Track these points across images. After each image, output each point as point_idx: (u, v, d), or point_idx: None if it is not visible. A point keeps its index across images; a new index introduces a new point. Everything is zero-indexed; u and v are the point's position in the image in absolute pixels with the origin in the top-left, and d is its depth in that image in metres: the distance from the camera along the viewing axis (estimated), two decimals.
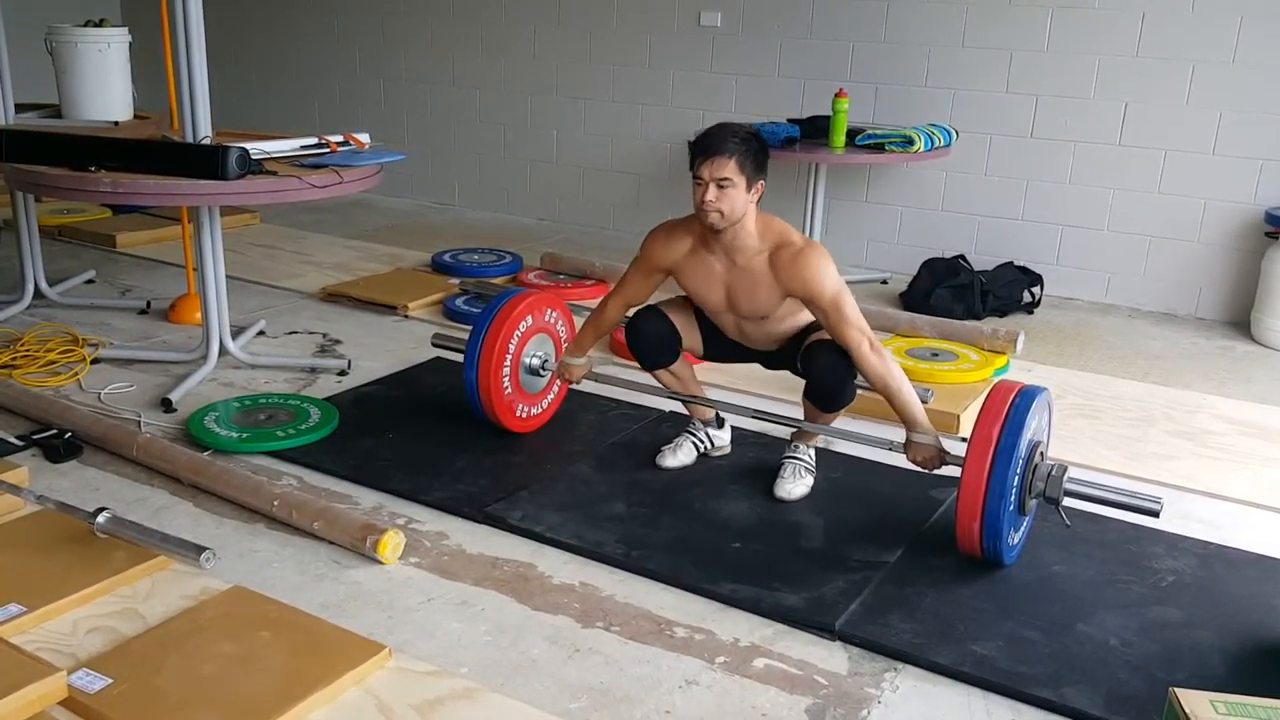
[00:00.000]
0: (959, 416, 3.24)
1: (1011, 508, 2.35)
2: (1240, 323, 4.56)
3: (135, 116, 4.26)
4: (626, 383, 3.07)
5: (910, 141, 4.48)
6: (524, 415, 3.12)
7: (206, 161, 3.11)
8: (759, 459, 3.00)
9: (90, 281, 4.64)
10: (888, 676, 2.10)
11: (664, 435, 3.05)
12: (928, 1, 4.92)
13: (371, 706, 1.92)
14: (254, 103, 7.11)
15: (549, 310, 3.13)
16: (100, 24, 4.17)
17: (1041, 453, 2.46)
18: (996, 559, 2.40)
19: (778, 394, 3.51)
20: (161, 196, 3.26)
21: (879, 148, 4.54)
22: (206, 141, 3.37)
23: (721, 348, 2.90)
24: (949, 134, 4.72)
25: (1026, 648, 2.17)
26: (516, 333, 3.00)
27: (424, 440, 3.09)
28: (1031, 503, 2.46)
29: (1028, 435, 2.34)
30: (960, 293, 4.54)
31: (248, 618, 2.14)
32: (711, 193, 2.53)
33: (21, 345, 3.71)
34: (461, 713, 1.91)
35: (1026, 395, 2.38)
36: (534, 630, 2.21)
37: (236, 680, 1.94)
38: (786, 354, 2.82)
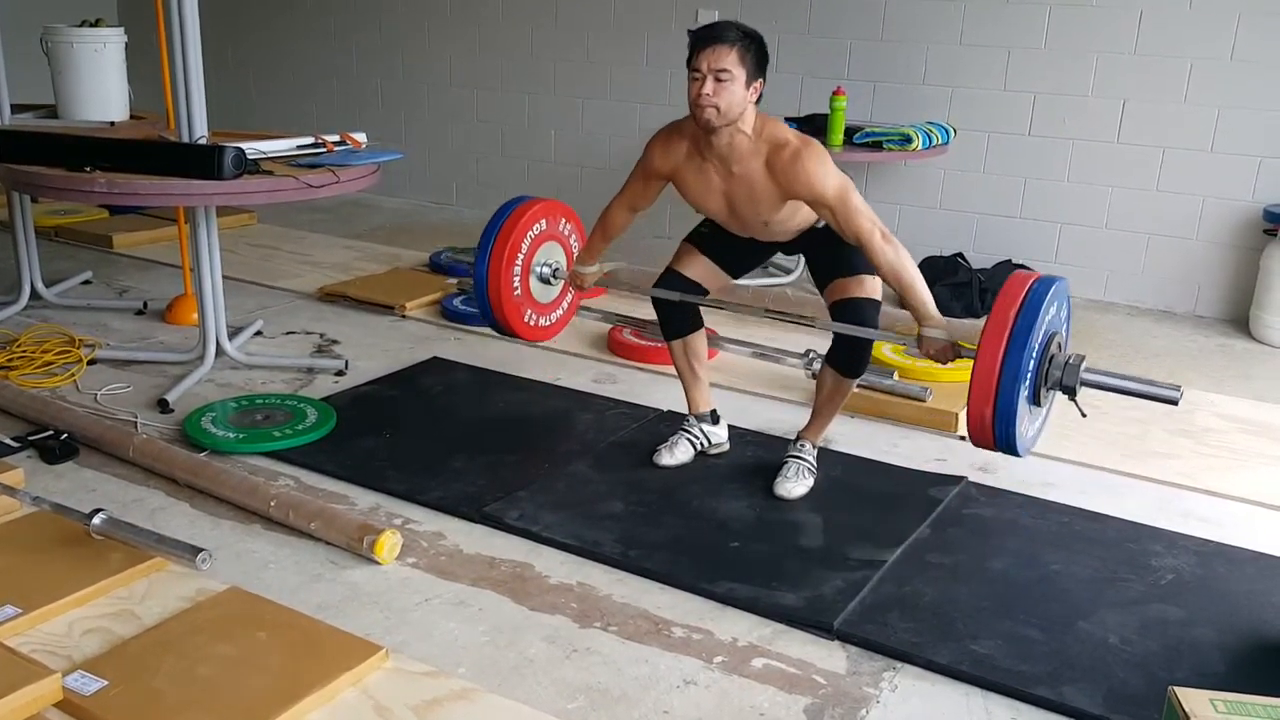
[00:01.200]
0: (957, 415, 3.23)
1: (1027, 392, 2.26)
2: (1239, 320, 4.55)
3: (131, 116, 4.25)
4: (635, 288, 2.96)
5: (908, 139, 4.48)
6: (532, 322, 3.09)
7: (203, 161, 3.10)
8: (757, 458, 3.00)
9: (87, 282, 4.63)
10: (886, 676, 2.10)
11: (662, 434, 3.04)
12: None
13: (369, 707, 1.91)
14: (250, 102, 7.10)
15: (562, 219, 3.09)
16: (96, 24, 4.16)
17: (1059, 344, 2.37)
18: (1009, 447, 2.30)
19: (778, 393, 3.51)
20: (158, 197, 3.25)
21: (877, 146, 4.53)
22: (203, 141, 3.36)
23: (741, 255, 2.89)
24: (947, 132, 4.71)
25: (1026, 646, 2.17)
26: (530, 233, 2.96)
27: (421, 440, 3.09)
28: (1048, 395, 2.38)
29: (1045, 320, 2.26)
30: (959, 291, 4.54)
31: (244, 619, 2.13)
32: (708, 86, 2.47)
33: (18, 346, 3.70)
34: (459, 713, 1.90)
35: (1045, 282, 2.30)
36: (531, 630, 2.20)
37: (233, 681, 1.93)
38: (802, 243, 2.81)
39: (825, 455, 2.99)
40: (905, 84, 5.03)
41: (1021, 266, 4.80)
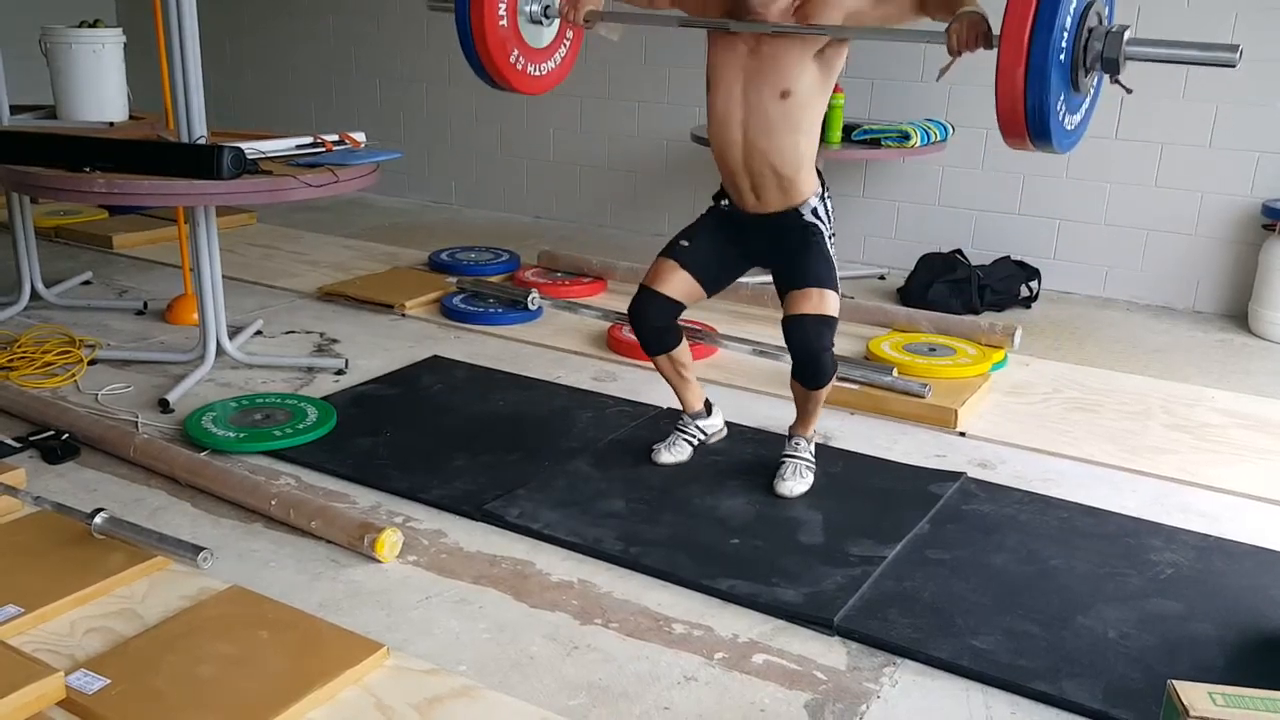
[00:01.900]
0: (957, 411, 3.24)
1: (1063, 57, 2.01)
2: (1238, 315, 4.56)
3: (130, 117, 4.26)
4: (636, 16, 2.72)
5: (906, 136, 4.48)
6: (521, 67, 2.80)
7: (202, 161, 3.11)
8: (756, 455, 3.00)
9: (87, 283, 4.64)
10: (887, 671, 2.10)
11: (662, 432, 3.05)
12: None
13: (370, 705, 1.92)
14: (249, 102, 7.10)
15: None
16: (95, 25, 4.16)
17: (1099, 14, 2.13)
18: (1043, 129, 2.04)
19: (778, 390, 3.51)
20: (157, 197, 3.25)
21: (875, 143, 4.53)
22: (202, 141, 3.37)
23: (721, 265, 2.82)
24: (945, 129, 4.71)
25: (1025, 641, 2.17)
26: None
27: (421, 439, 3.09)
28: (1089, 80, 2.13)
29: None
30: (958, 287, 4.54)
31: (246, 617, 2.14)
32: None
33: (18, 347, 3.70)
34: (460, 711, 1.91)
35: None
36: (532, 628, 2.21)
37: (235, 680, 1.94)
38: (772, 247, 2.74)
39: (824, 451, 3.00)
40: (903, 81, 5.03)
41: (1020, 263, 4.80)
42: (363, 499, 2.76)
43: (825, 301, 2.64)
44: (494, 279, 4.68)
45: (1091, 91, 2.25)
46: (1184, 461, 3.08)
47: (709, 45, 2.69)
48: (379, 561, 2.42)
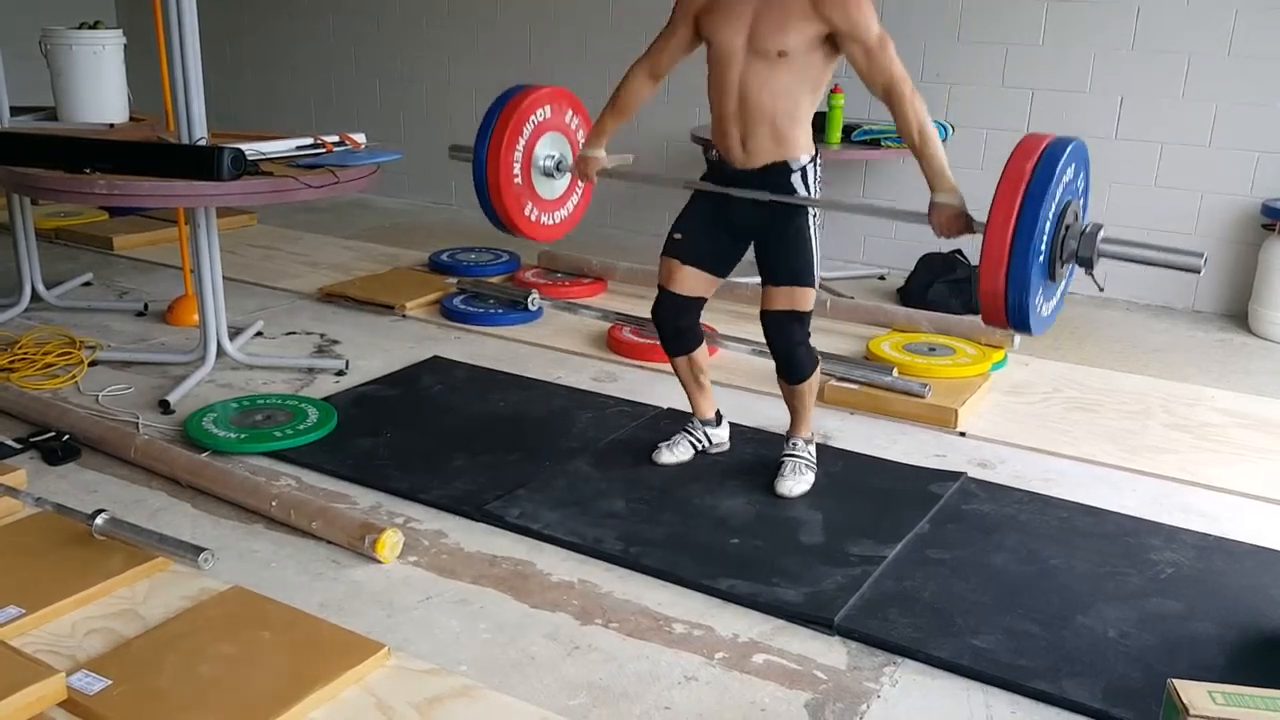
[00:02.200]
0: (957, 411, 3.24)
1: (1042, 259, 2.16)
2: (1238, 315, 4.56)
3: (131, 118, 4.26)
4: (644, 176, 2.89)
5: None
6: (534, 218, 2.94)
7: (202, 163, 3.11)
8: (757, 455, 3.00)
9: (87, 284, 4.64)
10: (887, 671, 2.10)
11: (663, 432, 3.05)
12: None
13: (371, 705, 1.92)
14: (249, 104, 7.10)
15: (569, 111, 2.95)
16: (95, 26, 4.16)
17: (1075, 213, 2.27)
18: (1023, 322, 2.20)
19: (778, 390, 3.51)
20: (157, 198, 3.26)
21: (875, 143, 4.53)
22: (202, 142, 3.37)
23: (718, 250, 2.77)
24: (945, 129, 4.71)
25: (1025, 641, 2.18)
26: (532, 119, 2.81)
27: (422, 439, 3.09)
28: (1064, 270, 2.28)
29: (1061, 185, 2.16)
30: (957, 287, 4.54)
31: (247, 618, 2.14)
32: None
33: (19, 348, 3.70)
34: (461, 710, 1.91)
35: (1060, 143, 2.20)
36: (533, 628, 2.21)
37: (236, 680, 1.94)
38: (761, 228, 2.69)
39: (824, 452, 3.00)
40: None
41: None
42: (363, 499, 2.76)
43: (797, 298, 2.66)
44: (494, 279, 4.69)
45: (1067, 276, 2.40)
46: (1184, 461, 3.08)
47: (705, 17, 2.62)
48: (380, 562, 2.43)
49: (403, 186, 6.60)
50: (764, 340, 2.71)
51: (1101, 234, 2.25)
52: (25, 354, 3.66)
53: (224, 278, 3.62)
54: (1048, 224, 2.15)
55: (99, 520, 2.36)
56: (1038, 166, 2.15)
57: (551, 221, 3.00)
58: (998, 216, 2.16)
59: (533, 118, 2.84)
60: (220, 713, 1.85)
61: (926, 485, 2.87)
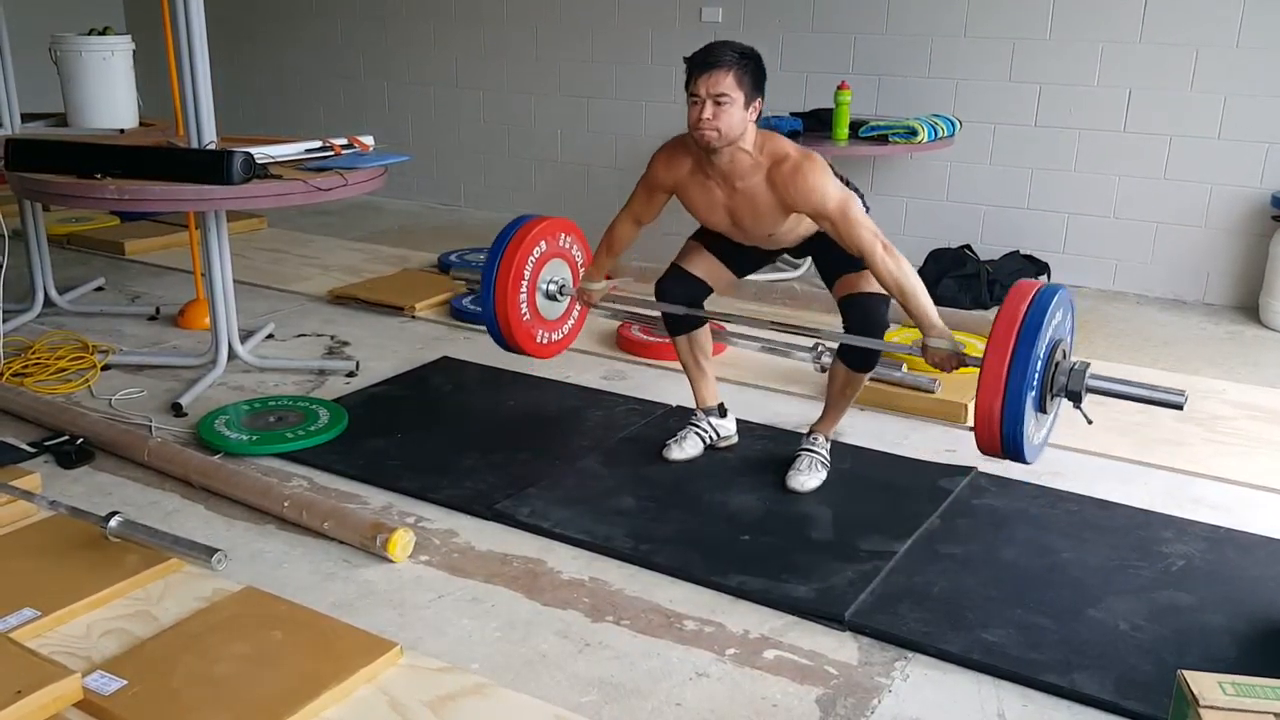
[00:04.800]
0: (967, 406, 3.24)
1: (1033, 400, 2.30)
2: (1248, 307, 4.54)
3: (140, 123, 4.29)
4: (643, 301, 3.02)
5: (914, 132, 4.48)
6: (544, 340, 3.12)
7: (212, 166, 3.13)
8: (766, 452, 3.01)
9: (100, 289, 4.67)
10: (898, 666, 2.11)
11: (671, 429, 3.06)
12: None
13: (384, 704, 1.93)
14: (258, 107, 7.13)
15: (563, 235, 3.09)
16: (104, 32, 4.19)
17: (1064, 351, 2.41)
18: (1017, 452, 2.33)
19: (787, 386, 3.52)
20: (168, 202, 3.27)
21: (883, 139, 4.53)
22: (211, 146, 3.39)
23: (748, 255, 2.90)
24: (952, 124, 4.71)
25: (1036, 634, 2.18)
26: (531, 257, 2.97)
27: (432, 439, 3.10)
28: (1054, 402, 2.41)
29: (1051, 326, 2.29)
30: (967, 283, 4.54)
31: (260, 618, 2.15)
32: (708, 110, 2.50)
33: (32, 353, 3.73)
34: (473, 708, 1.92)
35: (1048, 291, 2.34)
36: (544, 625, 2.22)
37: (250, 680, 1.95)
38: (808, 246, 2.82)
39: (835, 448, 2.99)
40: (910, 77, 5.03)
41: (1029, 258, 4.80)
42: (374, 499, 2.77)
43: (864, 278, 2.67)
44: None
45: (1056, 408, 2.50)
46: (1195, 454, 3.07)
47: (682, 197, 2.77)
48: (391, 561, 2.44)
49: (411, 188, 6.62)
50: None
51: (1089, 372, 2.40)
52: (39, 359, 3.68)
53: (234, 281, 3.64)
54: (1039, 362, 2.28)
55: (113, 523, 2.38)
56: (1025, 321, 2.27)
57: (559, 336, 3.21)
58: (991, 366, 2.28)
59: (531, 257, 2.99)
60: (234, 712, 1.87)
61: (937, 480, 2.87)
